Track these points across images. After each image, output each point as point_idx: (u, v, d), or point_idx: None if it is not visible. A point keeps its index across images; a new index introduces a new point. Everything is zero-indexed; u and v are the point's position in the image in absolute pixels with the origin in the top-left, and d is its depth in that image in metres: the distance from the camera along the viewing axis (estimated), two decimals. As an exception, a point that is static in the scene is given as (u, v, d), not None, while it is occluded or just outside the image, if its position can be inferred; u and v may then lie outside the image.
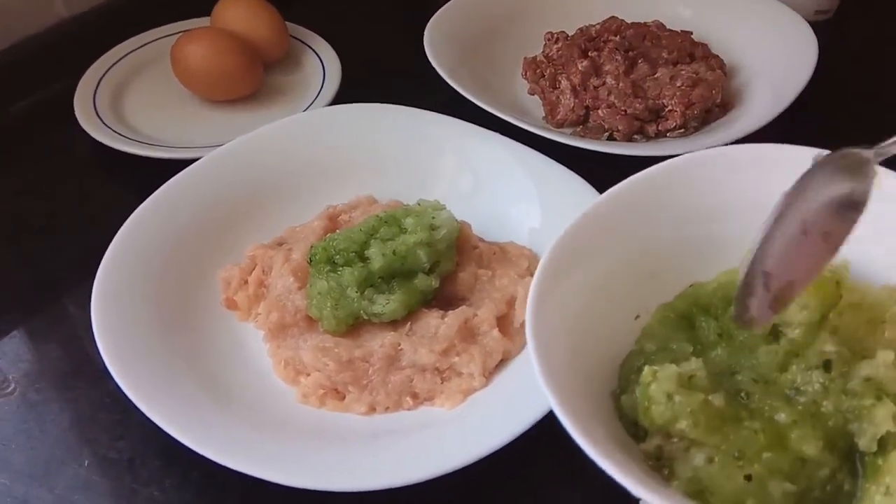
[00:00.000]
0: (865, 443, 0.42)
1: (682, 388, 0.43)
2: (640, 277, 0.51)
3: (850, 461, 0.43)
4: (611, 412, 0.47)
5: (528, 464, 0.52)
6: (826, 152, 0.45)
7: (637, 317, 0.50)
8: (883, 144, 0.44)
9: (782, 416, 0.42)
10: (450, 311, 0.56)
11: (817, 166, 0.43)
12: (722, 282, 0.51)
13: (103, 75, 0.83)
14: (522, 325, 0.56)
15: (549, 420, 0.49)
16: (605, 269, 0.49)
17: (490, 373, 0.54)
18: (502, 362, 0.55)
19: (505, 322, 0.57)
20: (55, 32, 0.94)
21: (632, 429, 0.45)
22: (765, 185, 0.49)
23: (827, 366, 0.45)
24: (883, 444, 0.42)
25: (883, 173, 0.44)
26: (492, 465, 0.48)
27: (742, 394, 0.45)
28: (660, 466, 0.43)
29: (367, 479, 0.47)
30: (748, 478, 0.41)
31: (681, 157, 0.52)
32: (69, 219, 0.73)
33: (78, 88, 0.81)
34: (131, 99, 0.83)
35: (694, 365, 0.44)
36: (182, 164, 0.67)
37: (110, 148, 0.75)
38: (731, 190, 0.51)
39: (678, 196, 0.51)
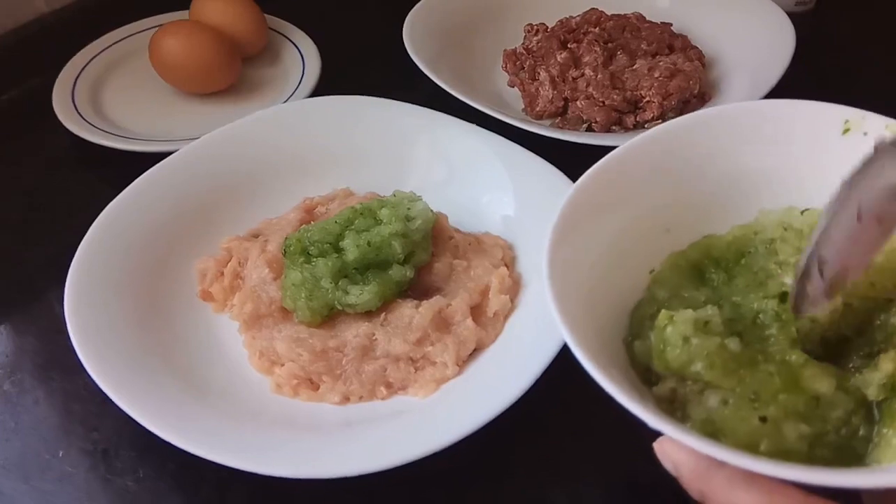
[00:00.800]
0: (874, 392, 0.42)
1: (697, 331, 0.42)
2: (654, 232, 0.51)
3: (866, 407, 0.42)
4: (623, 359, 0.47)
5: (504, 451, 0.52)
6: (887, 133, 0.45)
7: (651, 271, 0.50)
8: None
9: (794, 357, 0.42)
10: (424, 301, 0.56)
11: (877, 153, 0.42)
12: (737, 235, 0.51)
13: (82, 69, 0.83)
14: (496, 314, 0.56)
15: (524, 408, 0.49)
16: (619, 222, 0.49)
17: (463, 362, 0.55)
18: (476, 351, 0.56)
19: (479, 312, 0.57)
20: (35, 27, 0.93)
21: (644, 374, 0.46)
22: (782, 140, 0.51)
23: (783, 297, 0.45)
24: None
25: None
26: (467, 453, 0.48)
27: (755, 336, 0.45)
28: (673, 409, 0.43)
29: (338, 466, 0.47)
30: (763, 419, 0.40)
31: (699, 112, 0.52)
32: (47, 212, 0.73)
33: (56, 83, 0.81)
34: (110, 93, 0.83)
35: (710, 311, 0.44)
36: (160, 158, 0.66)
37: (89, 142, 0.75)
38: (749, 146, 0.52)
39: (694, 152, 0.51)
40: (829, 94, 0.83)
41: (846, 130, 0.51)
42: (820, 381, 0.41)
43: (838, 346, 0.46)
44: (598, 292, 0.47)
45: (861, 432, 0.42)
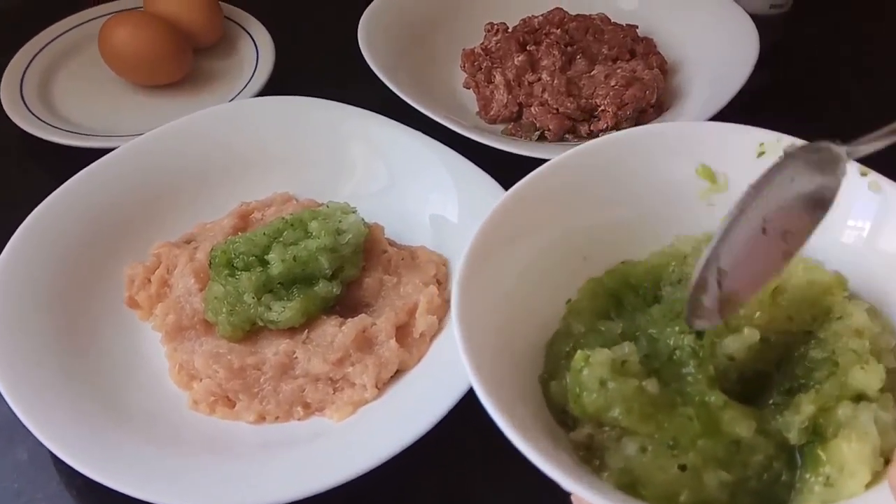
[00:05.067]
0: (795, 436, 0.40)
1: (615, 373, 0.41)
2: (571, 260, 0.49)
3: (788, 451, 0.41)
4: (539, 399, 0.45)
5: (418, 475, 0.51)
6: (798, 142, 0.43)
7: (569, 301, 0.49)
8: (858, 142, 0.41)
9: (713, 399, 0.41)
10: (348, 320, 0.55)
11: (787, 158, 0.41)
12: (654, 263, 0.50)
13: (32, 59, 0.82)
14: (422, 335, 0.55)
15: (440, 434, 0.48)
16: (534, 251, 0.48)
17: (384, 384, 0.53)
18: (398, 373, 0.54)
19: (405, 331, 0.55)
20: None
21: (560, 416, 0.44)
22: (694, 163, 0.50)
23: (700, 333, 0.44)
24: (820, 433, 0.40)
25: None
26: (376, 480, 0.47)
27: (672, 375, 0.43)
28: (590, 457, 0.42)
29: (252, 496, 0.46)
30: (682, 468, 0.39)
31: (607, 136, 0.51)
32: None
33: (5, 73, 0.79)
34: (60, 83, 0.81)
35: (627, 349, 0.42)
36: (108, 152, 0.65)
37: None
38: (663, 169, 0.51)
39: (606, 176, 0.50)
40: (795, 101, 0.82)
41: (761, 154, 0.50)
42: (740, 423, 0.40)
43: (757, 382, 0.45)
44: (514, 324, 0.45)
45: (783, 477, 0.41)
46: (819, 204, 0.42)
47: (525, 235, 0.47)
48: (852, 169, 0.43)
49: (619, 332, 0.46)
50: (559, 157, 0.49)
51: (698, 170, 0.50)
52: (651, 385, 0.41)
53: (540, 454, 0.36)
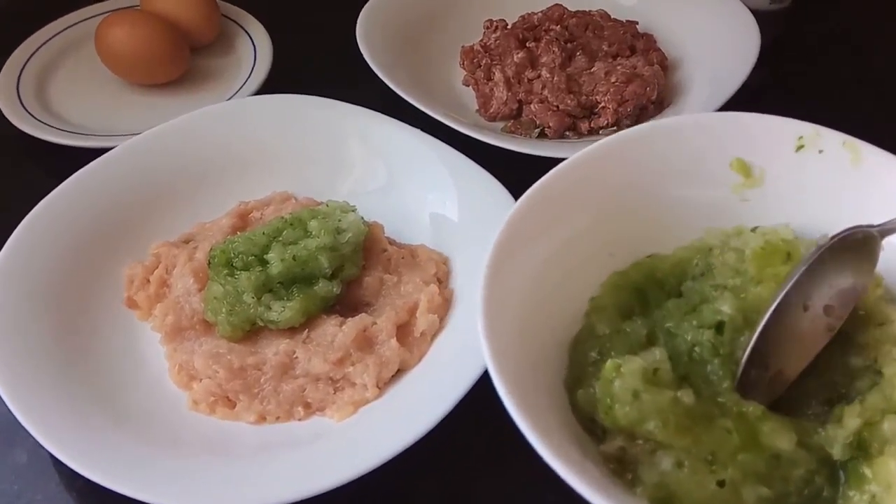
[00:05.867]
0: (839, 451, 0.40)
1: (648, 384, 0.40)
2: (597, 256, 0.49)
3: (830, 466, 0.40)
4: (564, 404, 0.44)
5: (417, 477, 0.51)
6: (828, 237, 0.44)
7: (592, 298, 0.48)
8: (888, 222, 0.43)
9: (750, 409, 0.40)
10: (349, 319, 0.55)
11: (825, 247, 0.43)
12: (681, 257, 0.49)
13: (29, 58, 0.81)
14: (423, 334, 0.55)
15: (441, 434, 0.48)
16: (559, 247, 0.47)
17: (385, 384, 0.53)
18: (399, 373, 0.54)
19: (406, 330, 0.55)
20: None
21: (588, 425, 0.43)
22: (728, 156, 0.49)
23: (719, 328, 0.44)
24: (865, 448, 0.39)
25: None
26: (378, 480, 0.47)
27: (698, 378, 0.43)
28: (622, 470, 0.41)
29: (254, 497, 0.46)
30: (721, 483, 0.38)
31: (646, 125, 0.51)
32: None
33: (2, 73, 0.79)
34: (57, 83, 0.81)
35: (658, 355, 0.41)
36: (105, 152, 0.65)
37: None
38: (694, 161, 0.50)
39: (634, 170, 0.49)
40: (797, 96, 0.81)
41: (800, 147, 0.49)
42: (780, 436, 0.39)
43: (793, 388, 0.43)
44: (537, 323, 0.44)
45: (825, 493, 0.40)
46: (858, 281, 0.43)
47: (549, 232, 0.47)
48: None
49: (646, 333, 0.45)
50: (584, 151, 0.48)
51: (732, 163, 0.49)
52: (686, 396, 0.40)
53: (568, 467, 0.35)
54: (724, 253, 0.48)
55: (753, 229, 0.49)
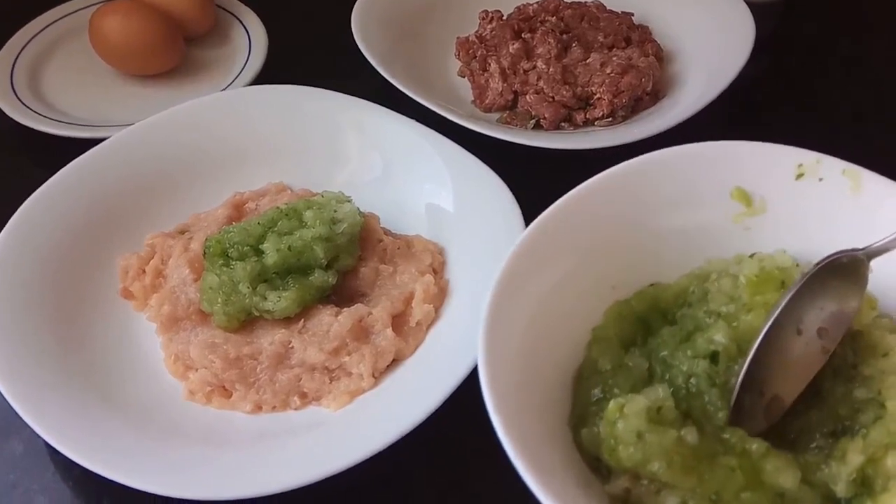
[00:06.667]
0: (843, 489, 0.39)
1: (651, 423, 0.40)
2: (599, 289, 0.49)
3: (833, 503, 0.40)
4: (568, 444, 0.44)
5: (410, 467, 0.51)
6: (813, 264, 0.44)
7: (595, 328, 0.48)
8: (873, 245, 0.44)
9: (754, 447, 0.40)
10: (344, 309, 0.55)
11: (811, 273, 0.43)
12: (683, 286, 0.49)
13: (22, 49, 0.81)
14: (419, 324, 0.55)
15: (435, 423, 0.48)
16: (561, 281, 0.47)
17: (381, 373, 0.53)
18: (395, 362, 0.54)
19: (401, 320, 0.55)
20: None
21: (593, 463, 0.43)
22: (729, 185, 0.49)
23: (714, 358, 0.44)
24: (869, 485, 0.39)
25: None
26: (374, 468, 0.47)
27: (697, 411, 0.43)
28: None
29: (250, 486, 0.46)
30: None
31: (638, 159, 0.50)
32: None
33: (-5, 63, 0.79)
34: (50, 74, 0.80)
35: (661, 393, 0.41)
36: (99, 143, 0.64)
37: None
38: (694, 192, 0.50)
39: (635, 201, 0.50)
40: (792, 89, 0.81)
41: (800, 175, 0.49)
42: (784, 474, 0.39)
43: (795, 419, 0.44)
44: (539, 358, 0.44)
45: None
46: (848, 303, 0.43)
47: (550, 267, 0.47)
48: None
49: (647, 367, 0.45)
50: (583, 185, 0.48)
51: (733, 193, 0.50)
52: (690, 434, 0.40)
53: None
54: (721, 279, 0.48)
55: (751, 256, 0.49)
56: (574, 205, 0.48)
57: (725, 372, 0.43)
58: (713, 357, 0.44)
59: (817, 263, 0.44)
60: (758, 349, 0.42)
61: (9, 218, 0.58)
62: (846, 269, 0.44)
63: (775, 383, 0.42)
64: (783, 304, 0.43)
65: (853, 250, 0.44)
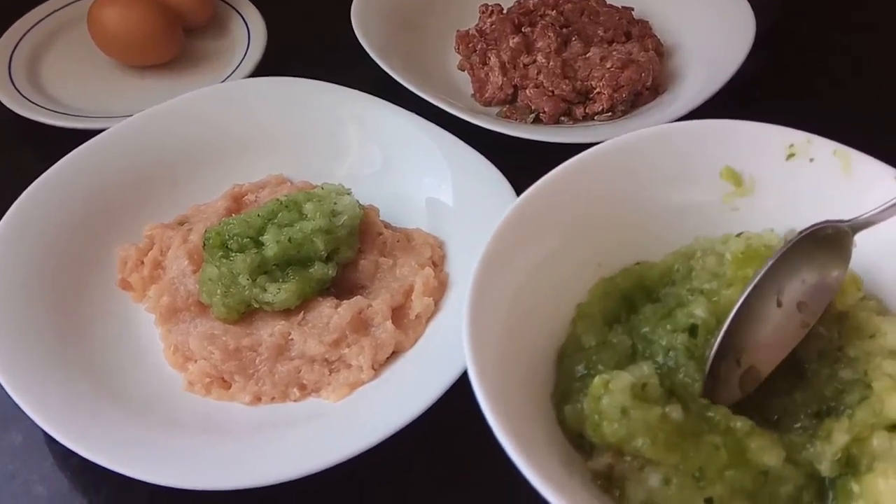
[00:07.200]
0: (827, 468, 0.39)
1: (636, 399, 0.40)
2: (585, 266, 0.49)
3: (818, 481, 0.40)
4: (551, 420, 0.44)
5: (409, 459, 0.51)
6: (797, 231, 0.44)
7: (579, 304, 0.48)
8: (859, 217, 0.43)
9: (738, 425, 0.40)
10: (344, 301, 0.55)
11: (795, 241, 0.43)
12: (669, 264, 0.49)
13: (20, 39, 0.81)
14: (418, 316, 0.55)
15: (434, 416, 0.48)
16: (546, 257, 0.47)
17: (380, 365, 0.53)
18: (394, 354, 0.54)
19: (401, 313, 0.55)
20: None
21: (576, 439, 0.43)
22: (718, 164, 0.49)
23: (693, 331, 0.44)
24: (854, 464, 0.39)
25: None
26: (373, 460, 0.47)
27: (678, 385, 0.43)
28: (610, 487, 0.41)
29: (249, 476, 0.46)
30: (709, 500, 0.38)
31: (626, 136, 0.50)
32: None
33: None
34: (49, 65, 0.80)
35: (646, 370, 0.41)
36: (97, 134, 0.64)
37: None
38: (683, 170, 0.50)
39: (623, 178, 0.49)
40: (791, 83, 0.81)
41: (791, 155, 0.49)
42: (768, 452, 0.39)
43: (770, 388, 0.43)
44: (524, 333, 0.44)
45: None
46: (831, 276, 0.43)
47: (537, 242, 0.47)
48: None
49: (631, 344, 0.45)
50: (571, 160, 0.48)
51: (722, 172, 0.49)
52: (675, 411, 0.40)
53: (551, 486, 0.35)
54: (706, 257, 0.48)
55: (739, 234, 0.49)
56: (562, 181, 0.48)
57: (704, 345, 0.43)
58: (692, 330, 0.44)
59: (801, 232, 0.43)
60: (736, 317, 0.42)
61: (7, 209, 0.58)
62: (830, 240, 0.43)
63: (752, 353, 0.42)
64: (763, 271, 0.42)
65: (838, 221, 0.44)
